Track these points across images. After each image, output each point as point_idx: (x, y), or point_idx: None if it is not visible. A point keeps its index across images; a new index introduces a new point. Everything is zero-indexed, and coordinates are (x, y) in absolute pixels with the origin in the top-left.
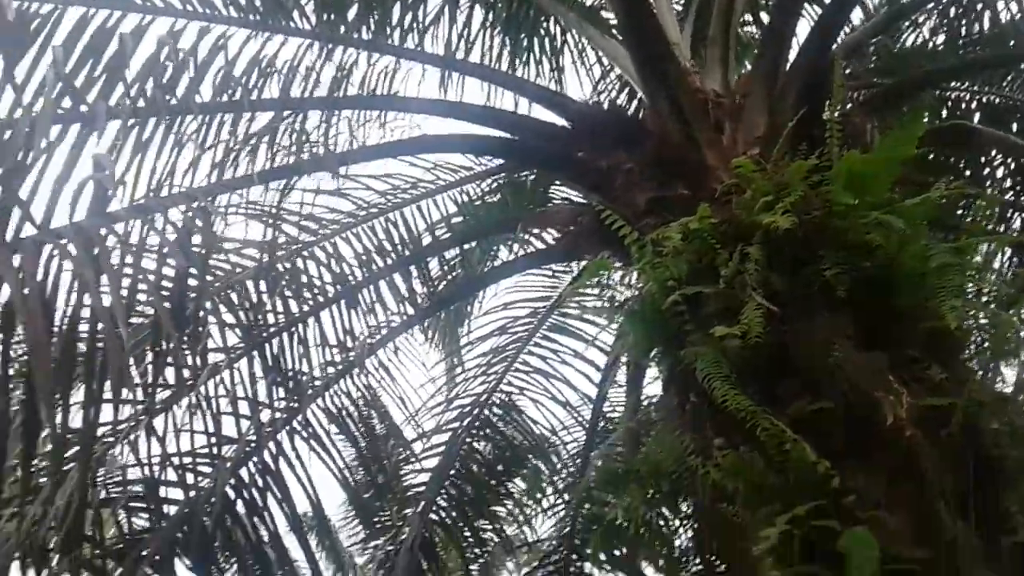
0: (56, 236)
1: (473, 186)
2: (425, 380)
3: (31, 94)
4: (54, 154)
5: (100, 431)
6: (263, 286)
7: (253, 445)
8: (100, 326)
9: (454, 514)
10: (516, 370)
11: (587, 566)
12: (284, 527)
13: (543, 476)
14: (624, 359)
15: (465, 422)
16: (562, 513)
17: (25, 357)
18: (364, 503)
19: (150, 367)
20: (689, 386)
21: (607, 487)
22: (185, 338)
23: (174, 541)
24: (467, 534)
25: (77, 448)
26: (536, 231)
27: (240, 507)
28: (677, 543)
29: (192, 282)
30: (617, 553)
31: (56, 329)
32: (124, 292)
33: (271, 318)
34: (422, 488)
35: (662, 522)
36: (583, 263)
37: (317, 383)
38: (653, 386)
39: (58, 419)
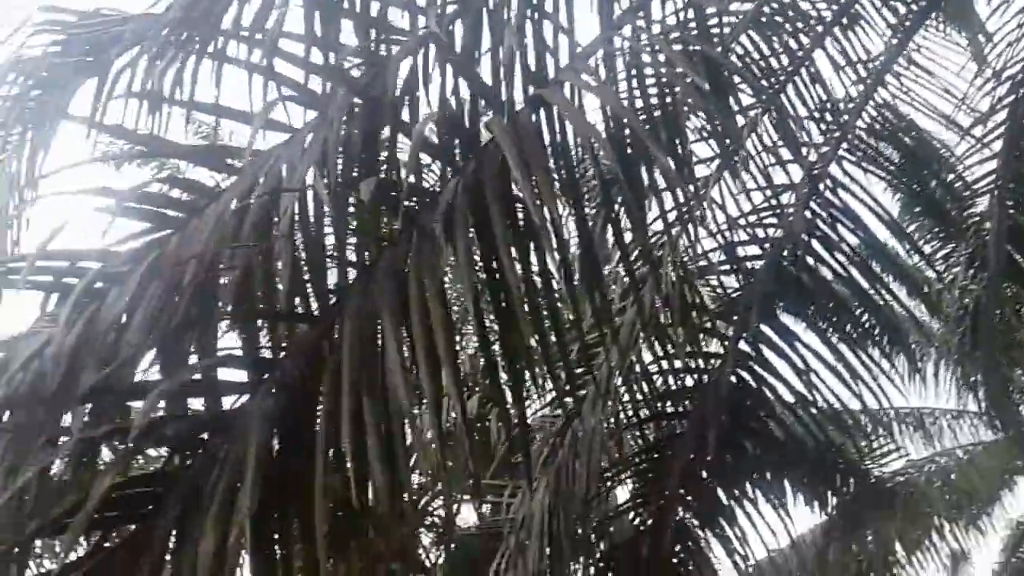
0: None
1: None
2: (961, 64)
3: None
4: None
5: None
6: (758, 35)
7: (809, 186)
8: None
9: None
10: None
11: None
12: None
13: None
14: None
15: (1021, 92)
16: None
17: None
18: (929, 206)
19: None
20: None
21: None
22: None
23: (770, 294)
24: None
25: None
26: None
27: (815, 245)
28: None
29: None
30: None
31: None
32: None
33: (776, 63)
34: (991, 177)
35: None
36: None
37: (850, 106)
38: None
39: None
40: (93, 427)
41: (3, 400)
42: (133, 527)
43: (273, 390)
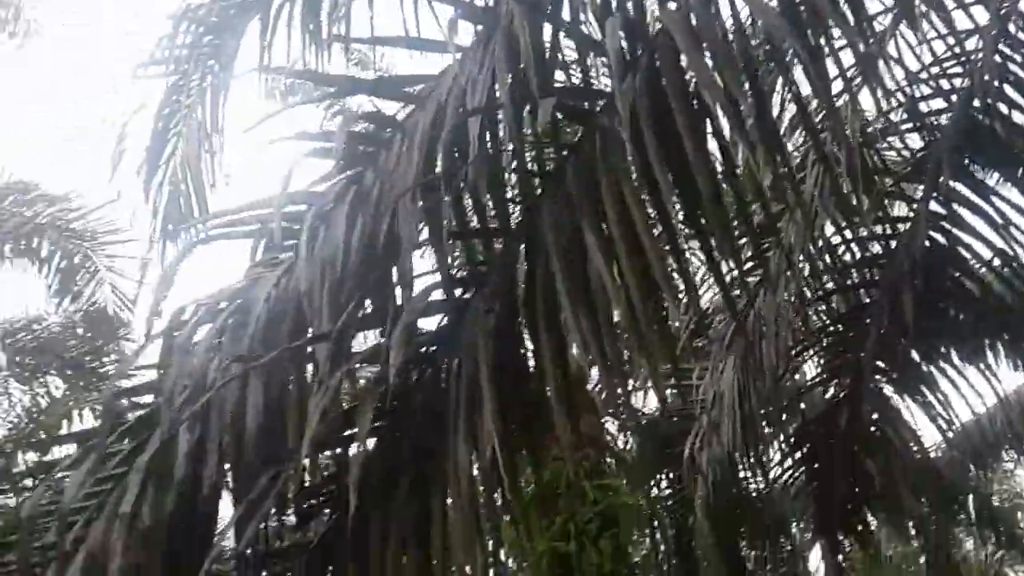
0: None
1: None
2: None
3: None
4: None
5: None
6: None
7: (997, 27)
8: None
9: None
10: None
11: None
12: None
13: None
14: None
15: None
16: None
17: None
18: None
19: None
20: None
21: None
22: None
23: (958, 148)
24: None
25: None
26: None
27: (1008, 90)
28: None
29: None
30: None
31: None
32: None
33: None
34: None
35: None
36: None
37: None
38: None
39: None
40: (336, 359)
41: (247, 347)
42: (376, 440)
43: (485, 307)
